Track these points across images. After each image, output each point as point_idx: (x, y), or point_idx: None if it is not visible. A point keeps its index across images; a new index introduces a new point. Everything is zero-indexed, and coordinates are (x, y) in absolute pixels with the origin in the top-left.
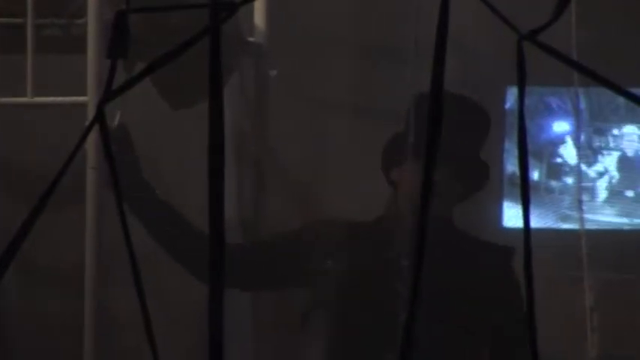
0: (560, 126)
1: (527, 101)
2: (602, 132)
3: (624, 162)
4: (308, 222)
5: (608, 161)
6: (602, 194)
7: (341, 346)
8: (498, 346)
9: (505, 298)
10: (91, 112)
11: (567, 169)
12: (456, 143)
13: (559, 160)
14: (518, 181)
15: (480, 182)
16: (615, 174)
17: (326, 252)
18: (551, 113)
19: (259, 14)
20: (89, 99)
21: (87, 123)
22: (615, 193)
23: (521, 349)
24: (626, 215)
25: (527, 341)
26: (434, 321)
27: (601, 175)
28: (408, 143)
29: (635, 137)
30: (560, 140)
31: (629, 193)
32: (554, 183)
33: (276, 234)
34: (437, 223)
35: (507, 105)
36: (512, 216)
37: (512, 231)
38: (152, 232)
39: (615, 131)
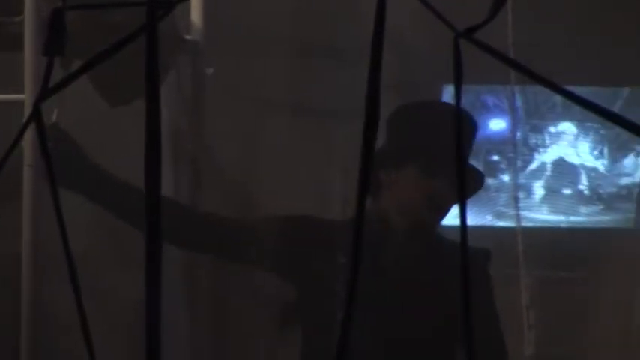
0: (497, 124)
1: (463, 99)
2: (538, 130)
3: (561, 160)
4: (290, 216)
5: (545, 159)
6: (538, 192)
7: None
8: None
9: (478, 300)
10: (27, 110)
11: (503, 167)
12: (450, 153)
13: (495, 157)
14: None
15: (474, 191)
16: (551, 172)
17: (313, 251)
18: (488, 111)
19: (196, 12)
20: (26, 97)
21: (24, 121)
22: (551, 191)
23: (486, 349)
24: (562, 213)
25: (490, 342)
26: (414, 321)
27: (537, 172)
28: (407, 149)
29: (572, 135)
30: (496, 138)
31: (566, 191)
32: (490, 181)
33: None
34: (422, 232)
35: None
36: (449, 214)
37: (449, 229)
38: (118, 212)
39: (552, 129)
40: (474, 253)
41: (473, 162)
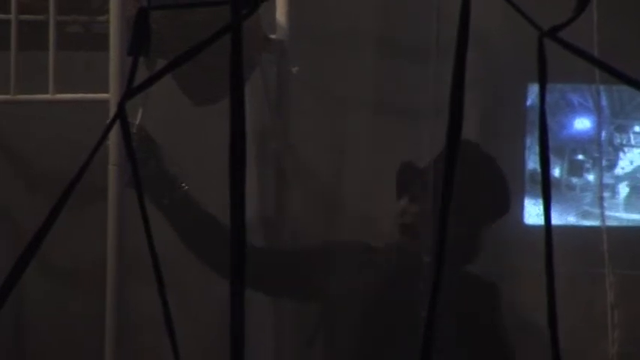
0: (582, 123)
1: (548, 98)
2: (623, 129)
3: None
4: (328, 240)
5: (630, 158)
6: (623, 191)
7: None
8: None
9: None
10: (112, 109)
11: (588, 166)
12: (471, 202)
13: (580, 157)
14: (539, 178)
15: (470, 256)
16: (637, 171)
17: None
18: (573, 110)
19: (281, 11)
20: (111, 96)
21: (108, 120)
22: (637, 190)
23: None
24: None
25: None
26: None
27: (622, 172)
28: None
29: None
30: (581, 137)
31: None
32: (575, 180)
33: (301, 247)
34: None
35: (528, 102)
36: (533, 213)
37: (534, 228)
38: (179, 229)
39: (637, 128)
40: (480, 286)
41: (557, 160)
